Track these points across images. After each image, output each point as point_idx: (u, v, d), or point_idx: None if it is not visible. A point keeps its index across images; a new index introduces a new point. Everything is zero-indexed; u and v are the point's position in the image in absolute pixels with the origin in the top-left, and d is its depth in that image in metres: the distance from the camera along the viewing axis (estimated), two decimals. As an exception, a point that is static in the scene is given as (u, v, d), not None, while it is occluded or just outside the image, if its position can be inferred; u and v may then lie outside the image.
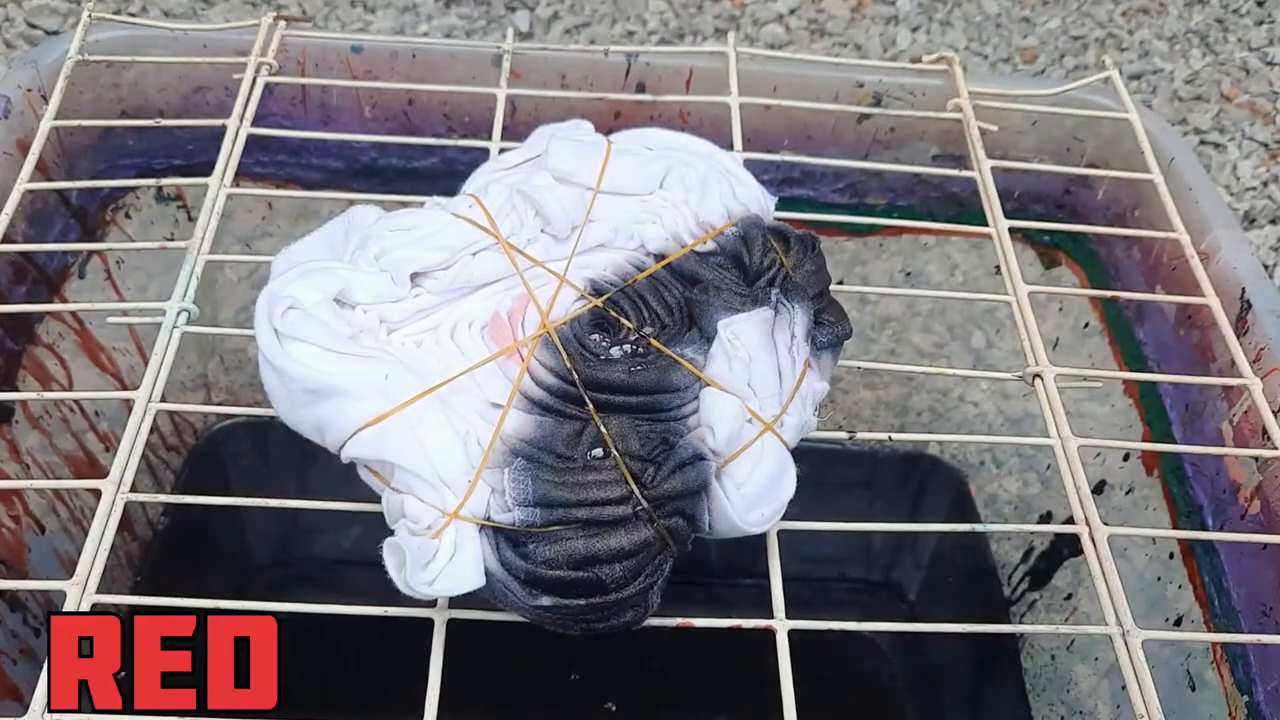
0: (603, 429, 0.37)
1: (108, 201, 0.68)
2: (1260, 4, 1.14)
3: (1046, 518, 0.74)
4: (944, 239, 0.73)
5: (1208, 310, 0.54)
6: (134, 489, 0.42)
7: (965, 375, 0.77)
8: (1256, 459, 0.53)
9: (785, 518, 0.41)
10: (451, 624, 0.40)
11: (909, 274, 0.75)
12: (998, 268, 0.55)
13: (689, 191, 0.45)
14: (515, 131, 0.57)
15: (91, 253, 0.66)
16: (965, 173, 0.59)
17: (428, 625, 0.40)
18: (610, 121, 0.64)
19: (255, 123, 0.56)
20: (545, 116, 0.55)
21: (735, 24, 1.12)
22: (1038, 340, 0.51)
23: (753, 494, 0.39)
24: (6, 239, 0.52)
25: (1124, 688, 0.41)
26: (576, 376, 0.38)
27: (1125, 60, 1.10)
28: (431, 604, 0.40)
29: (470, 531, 0.37)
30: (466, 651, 0.40)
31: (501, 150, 0.54)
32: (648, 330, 0.40)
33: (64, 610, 0.38)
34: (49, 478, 0.64)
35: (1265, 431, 0.50)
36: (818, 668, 0.43)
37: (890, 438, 0.55)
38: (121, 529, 0.42)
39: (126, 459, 0.43)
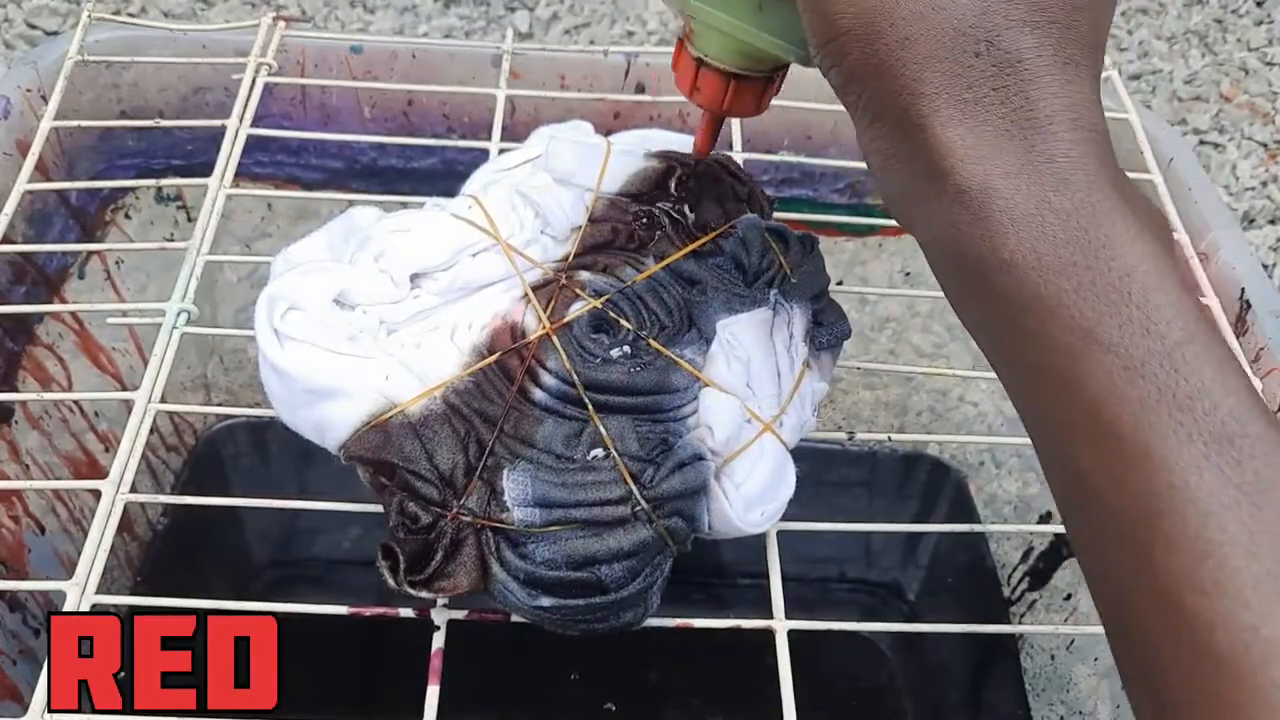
0: (602, 429, 0.37)
1: (107, 202, 0.68)
2: (1259, 4, 1.14)
3: (1046, 518, 0.74)
4: (943, 239, 0.73)
5: (1207, 310, 0.54)
6: (134, 489, 0.42)
7: (965, 375, 0.77)
8: (1256, 459, 0.53)
9: (785, 518, 0.41)
10: (451, 624, 0.40)
11: (909, 274, 0.75)
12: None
13: (688, 192, 0.45)
14: (515, 132, 0.57)
15: (91, 253, 0.66)
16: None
17: (427, 625, 0.40)
18: (610, 122, 0.64)
19: (255, 123, 0.56)
20: (545, 117, 0.55)
21: (735, 24, 1.12)
22: (1037, 340, 0.51)
23: (752, 494, 0.39)
24: (6, 239, 0.52)
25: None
26: (576, 377, 0.38)
27: (1124, 60, 1.10)
28: (431, 604, 0.40)
29: (469, 531, 0.37)
30: (466, 652, 0.40)
31: (501, 151, 0.54)
32: (646, 331, 0.40)
33: (64, 610, 0.38)
34: (49, 478, 0.64)
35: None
36: (817, 668, 0.43)
37: (890, 438, 0.55)
38: (121, 529, 0.41)
39: (126, 459, 0.43)
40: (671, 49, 0.39)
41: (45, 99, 0.58)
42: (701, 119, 0.40)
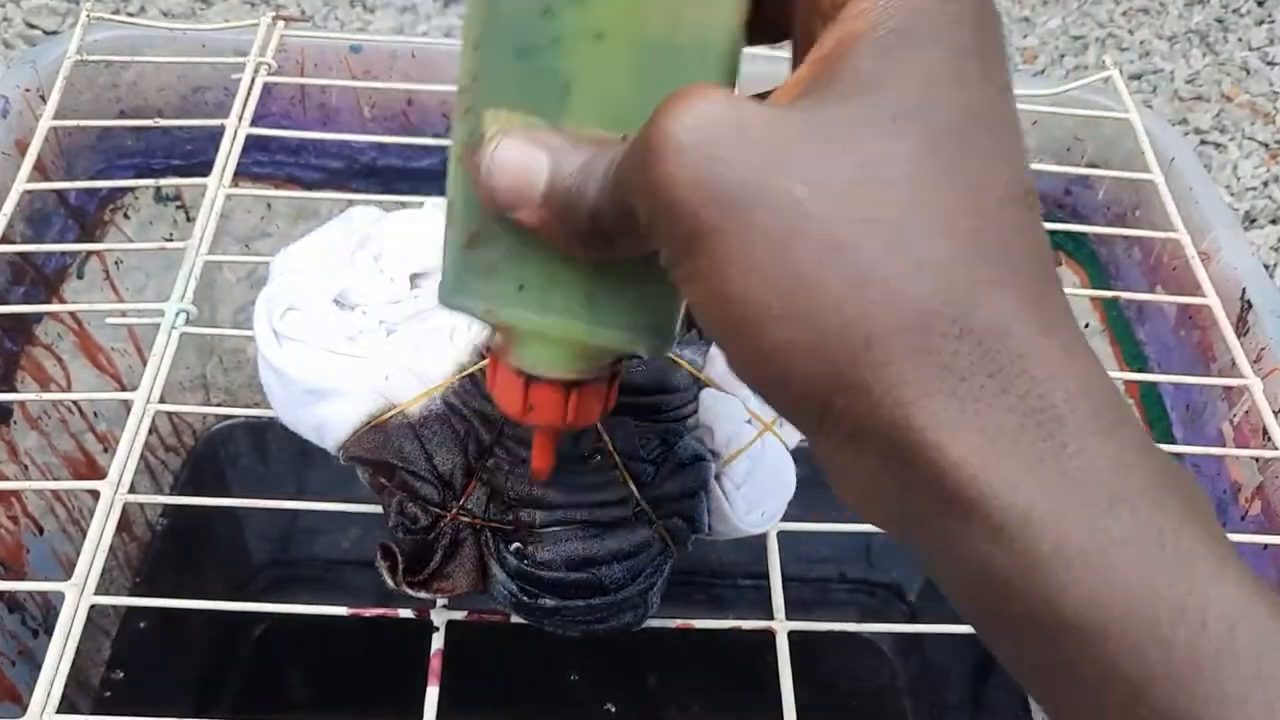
0: (602, 430, 0.37)
1: (106, 202, 0.68)
2: (1260, 3, 1.14)
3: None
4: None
5: (1208, 310, 0.54)
6: (132, 490, 0.42)
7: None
8: (1257, 459, 0.53)
9: (785, 518, 0.41)
10: (451, 624, 0.40)
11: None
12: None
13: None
14: (515, 131, 0.57)
15: (90, 253, 0.66)
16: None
17: (427, 626, 0.40)
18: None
19: (254, 123, 0.56)
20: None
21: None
22: (1038, 340, 0.51)
23: (752, 494, 0.39)
24: (5, 239, 0.52)
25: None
26: (576, 377, 0.38)
27: (1125, 60, 1.10)
28: (431, 604, 0.40)
29: (469, 532, 0.37)
30: (466, 652, 0.40)
31: (501, 150, 0.54)
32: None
33: (62, 611, 0.38)
34: (47, 479, 0.64)
35: (1266, 432, 0.50)
36: (818, 669, 0.43)
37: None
38: (120, 530, 0.42)
39: (125, 460, 0.43)
40: None
41: (44, 98, 0.58)
42: (537, 438, 0.32)
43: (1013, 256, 0.21)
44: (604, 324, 0.27)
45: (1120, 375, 0.65)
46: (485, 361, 0.39)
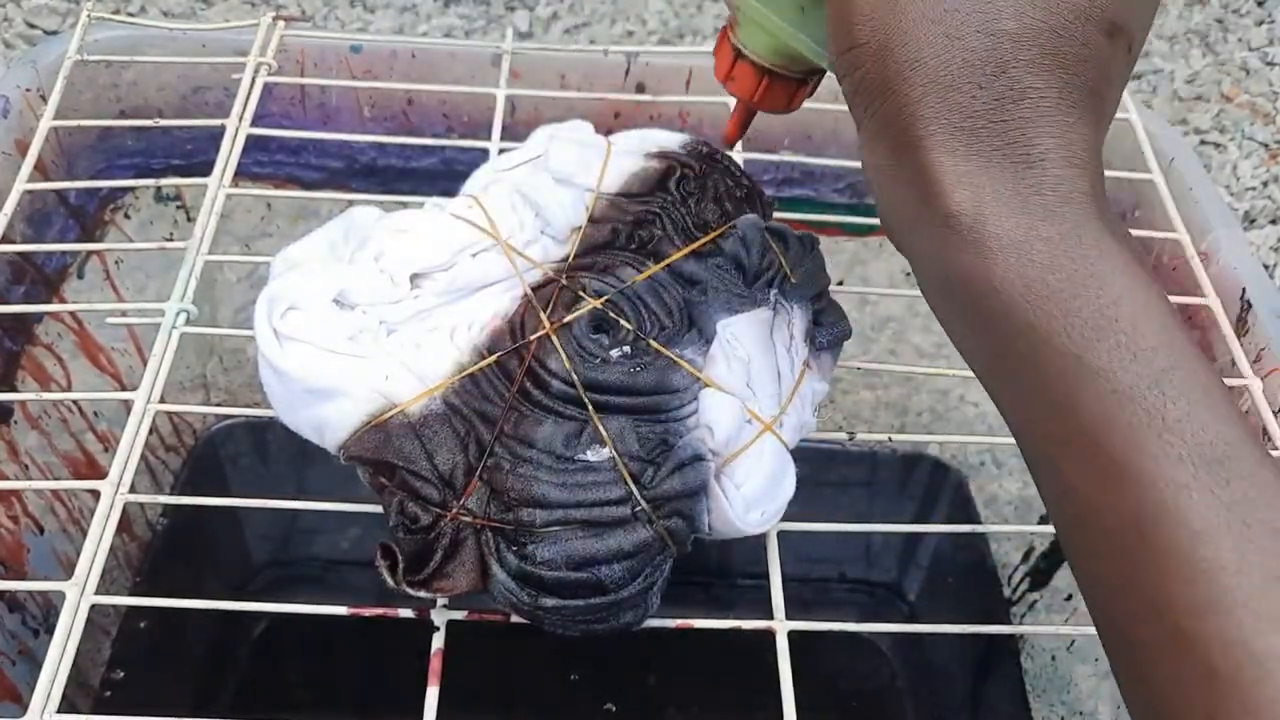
0: (602, 430, 0.37)
1: (106, 201, 0.68)
2: (1260, 4, 1.14)
3: (1046, 518, 0.74)
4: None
5: (1208, 311, 0.54)
6: (133, 490, 0.42)
7: (965, 375, 0.77)
8: (1257, 459, 0.53)
9: (785, 518, 0.41)
10: (451, 624, 0.40)
11: (909, 274, 0.75)
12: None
13: (688, 192, 0.45)
14: (515, 131, 0.57)
15: (90, 253, 0.66)
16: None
17: (427, 625, 0.40)
18: (610, 121, 0.64)
19: (254, 122, 0.56)
20: (545, 116, 0.55)
21: (735, 24, 1.12)
22: (1038, 340, 0.51)
23: (752, 494, 0.39)
24: (5, 239, 0.52)
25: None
26: (576, 378, 0.38)
27: (1125, 60, 1.09)
28: (431, 604, 0.40)
29: (469, 531, 0.37)
30: (466, 652, 0.40)
31: (501, 150, 0.54)
32: (646, 332, 0.40)
33: (62, 611, 0.38)
34: (48, 478, 0.64)
35: (1265, 432, 0.50)
36: (818, 668, 0.43)
37: (890, 438, 0.54)
38: (120, 529, 0.42)
39: (125, 460, 0.43)
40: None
41: (44, 98, 0.58)
42: (734, 109, 0.41)
43: (1061, 57, 0.26)
44: (805, 32, 0.35)
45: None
46: (484, 362, 0.39)
